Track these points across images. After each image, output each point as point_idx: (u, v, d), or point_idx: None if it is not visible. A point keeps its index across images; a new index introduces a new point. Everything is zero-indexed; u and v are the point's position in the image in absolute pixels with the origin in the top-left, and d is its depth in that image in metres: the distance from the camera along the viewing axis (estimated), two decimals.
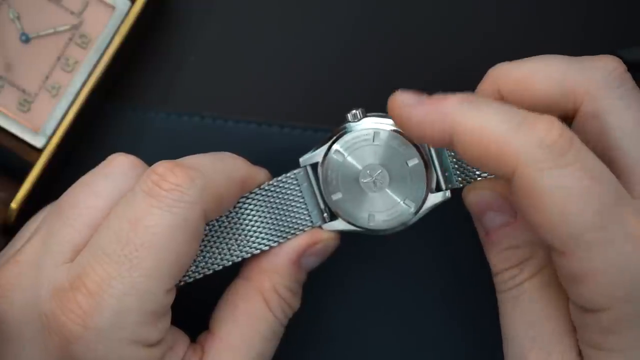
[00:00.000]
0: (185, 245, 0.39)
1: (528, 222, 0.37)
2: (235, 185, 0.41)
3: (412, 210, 0.42)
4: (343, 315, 0.49)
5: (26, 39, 0.47)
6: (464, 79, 0.50)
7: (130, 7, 0.47)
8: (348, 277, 0.49)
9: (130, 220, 0.38)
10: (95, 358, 0.38)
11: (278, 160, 0.49)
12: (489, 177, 0.41)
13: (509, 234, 0.40)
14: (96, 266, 0.38)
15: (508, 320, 0.40)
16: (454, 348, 0.49)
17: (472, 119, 0.37)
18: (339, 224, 0.43)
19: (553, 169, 0.35)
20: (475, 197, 0.41)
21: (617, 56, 0.49)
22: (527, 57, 0.48)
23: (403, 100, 0.38)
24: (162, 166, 0.39)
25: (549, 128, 0.36)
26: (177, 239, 0.38)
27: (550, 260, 0.39)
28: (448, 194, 0.42)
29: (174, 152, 0.49)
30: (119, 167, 0.41)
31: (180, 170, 0.39)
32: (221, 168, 0.40)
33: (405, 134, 0.41)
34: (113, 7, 0.47)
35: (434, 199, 0.42)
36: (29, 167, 0.46)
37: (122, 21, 0.47)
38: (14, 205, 0.46)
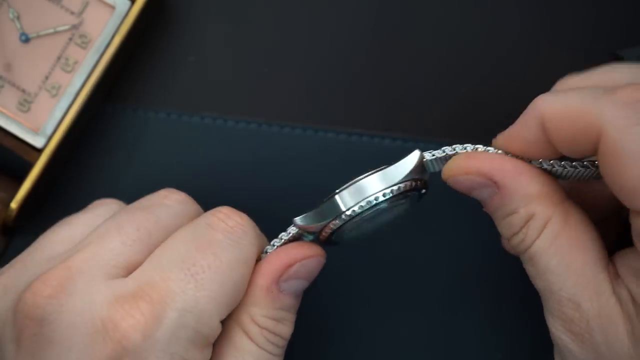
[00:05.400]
0: (242, 281, 0.39)
1: (613, 190, 0.36)
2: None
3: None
4: (343, 314, 0.49)
5: (26, 39, 0.47)
6: (464, 78, 0.50)
7: (130, 7, 0.47)
8: (348, 276, 0.49)
9: (197, 246, 0.39)
10: None
11: (278, 160, 0.49)
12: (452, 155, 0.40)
13: (502, 202, 0.39)
14: (161, 280, 0.38)
15: (534, 281, 0.39)
16: (455, 348, 0.49)
17: (557, 102, 0.37)
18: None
19: (636, 125, 0.35)
20: (455, 184, 0.40)
21: (617, 56, 0.49)
22: (526, 57, 0.48)
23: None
24: (226, 208, 0.41)
25: (631, 91, 0.36)
26: (238, 272, 0.39)
27: (555, 211, 0.38)
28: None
29: (174, 152, 0.49)
30: (175, 200, 0.42)
31: (242, 214, 0.41)
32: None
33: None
34: (113, 7, 0.47)
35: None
36: (28, 167, 0.46)
37: (122, 21, 0.47)
38: (13, 205, 0.46)
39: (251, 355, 0.40)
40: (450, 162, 0.40)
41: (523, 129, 0.39)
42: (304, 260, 0.41)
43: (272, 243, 0.41)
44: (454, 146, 0.40)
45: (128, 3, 0.47)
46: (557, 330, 0.38)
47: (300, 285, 0.41)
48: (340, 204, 0.39)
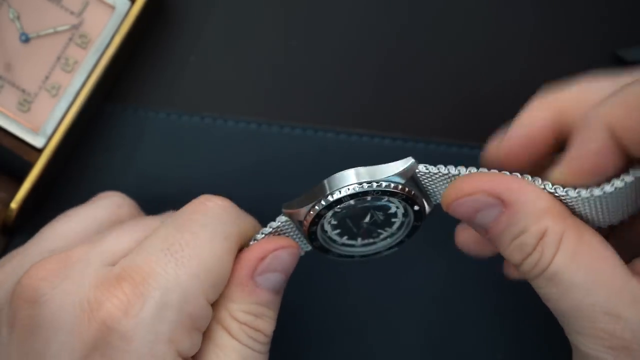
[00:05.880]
0: (225, 258, 0.40)
1: None
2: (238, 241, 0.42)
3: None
4: (341, 314, 0.49)
5: (26, 39, 0.47)
6: (464, 78, 0.50)
7: (130, 7, 0.47)
8: (346, 276, 0.49)
9: (176, 227, 0.40)
10: (129, 349, 0.38)
11: (278, 160, 0.49)
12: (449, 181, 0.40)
13: (509, 221, 0.37)
14: (143, 263, 0.39)
15: (554, 304, 0.37)
16: (455, 348, 0.49)
17: (622, 105, 0.36)
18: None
19: None
20: (458, 208, 0.39)
21: (617, 56, 0.49)
22: (527, 57, 0.48)
23: None
24: (207, 195, 0.41)
25: None
26: (218, 248, 0.39)
27: (566, 225, 0.37)
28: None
29: (174, 152, 0.49)
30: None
31: (223, 198, 0.41)
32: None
33: None
34: (113, 7, 0.47)
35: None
36: (28, 167, 0.46)
37: (122, 21, 0.47)
38: (13, 205, 0.46)
39: (234, 352, 0.40)
40: (450, 187, 0.39)
41: (584, 144, 0.37)
42: (276, 252, 0.40)
43: (260, 232, 0.41)
44: (448, 167, 0.39)
45: (128, 3, 0.47)
46: (596, 350, 0.36)
47: (276, 279, 0.41)
48: (327, 188, 0.40)
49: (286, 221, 0.41)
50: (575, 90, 0.39)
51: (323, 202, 0.40)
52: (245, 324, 0.40)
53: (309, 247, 0.42)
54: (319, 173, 0.49)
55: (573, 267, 0.36)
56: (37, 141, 0.46)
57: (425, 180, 0.40)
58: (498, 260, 0.41)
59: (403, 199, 0.40)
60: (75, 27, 0.47)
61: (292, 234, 0.42)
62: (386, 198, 0.40)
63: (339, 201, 0.40)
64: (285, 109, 0.49)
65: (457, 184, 0.38)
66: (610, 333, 0.36)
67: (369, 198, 0.40)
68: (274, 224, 0.41)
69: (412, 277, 0.49)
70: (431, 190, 0.41)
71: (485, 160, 0.41)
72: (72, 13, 0.47)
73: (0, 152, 0.47)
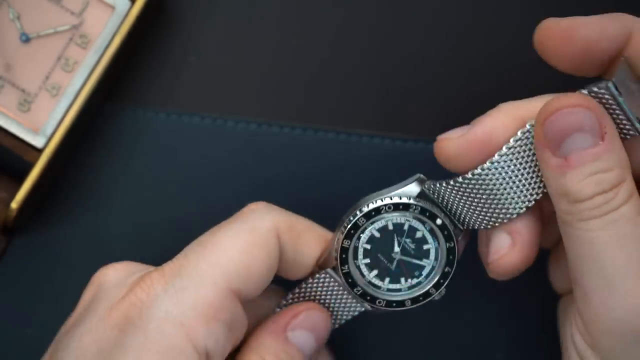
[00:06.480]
0: (250, 250, 0.40)
1: None
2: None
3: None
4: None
5: (26, 39, 0.47)
6: (464, 79, 0.50)
7: (130, 8, 0.47)
8: None
9: (211, 231, 0.41)
10: (140, 325, 0.39)
11: (278, 160, 0.49)
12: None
13: (598, 157, 0.37)
14: (173, 261, 0.40)
15: (601, 248, 0.37)
16: (455, 348, 0.49)
17: (592, 19, 0.39)
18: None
19: None
20: (559, 119, 0.38)
21: None
22: (526, 57, 0.48)
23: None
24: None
25: None
26: (241, 240, 0.40)
27: (635, 188, 0.38)
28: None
29: (174, 152, 0.49)
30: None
31: (259, 202, 0.42)
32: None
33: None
34: (113, 7, 0.47)
35: None
36: (29, 167, 0.46)
37: (122, 21, 0.47)
38: (14, 205, 0.46)
39: None
40: (552, 99, 0.38)
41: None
42: (308, 310, 0.42)
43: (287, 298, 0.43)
44: (455, 179, 0.40)
45: (128, 3, 0.47)
46: (619, 308, 0.37)
47: (307, 340, 0.42)
48: (342, 223, 0.41)
49: (326, 283, 0.42)
50: (538, 103, 0.39)
51: (342, 228, 0.41)
52: None
53: (356, 312, 0.43)
54: (318, 173, 0.49)
55: (636, 220, 0.37)
56: (37, 141, 0.46)
57: (442, 196, 0.41)
58: None
59: (420, 212, 0.41)
60: (75, 27, 0.47)
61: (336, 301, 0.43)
62: (405, 219, 0.41)
63: (356, 226, 0.41)
64: (285, 109, 0.49)
65: (566, 96, 0.38)
66: None
67: (386, 220, 0.41)
68: (309, 285, 0.43)
69: None
70: (454, 209, 0.41)
71: (435, 152, 0.42)
72: (72, 13, 0.47)
73: (0, 152, 0.47)
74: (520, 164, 0.39)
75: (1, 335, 0.48)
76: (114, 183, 0.49)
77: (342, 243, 0.41)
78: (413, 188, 0.41)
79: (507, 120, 0.40)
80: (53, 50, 0.47)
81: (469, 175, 0.40)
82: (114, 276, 0.41)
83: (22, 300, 0.48)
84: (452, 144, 0.41)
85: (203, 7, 0.50)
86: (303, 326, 0.42)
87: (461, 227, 0.41)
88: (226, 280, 0.39)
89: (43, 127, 0.47)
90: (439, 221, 0.41)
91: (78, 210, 0.49)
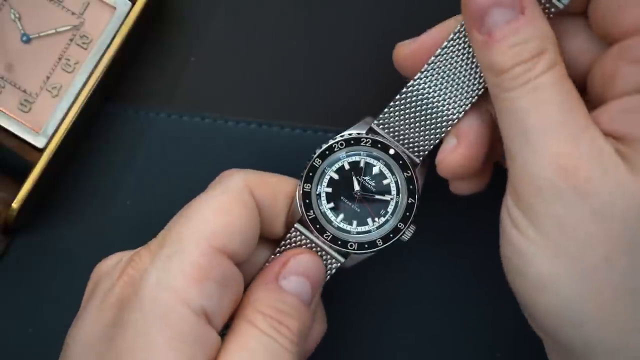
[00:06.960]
0: (227, 209, 0.41)
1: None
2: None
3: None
4: (340, 314, 0.49)
5: (27, 40, 0.47)
6: None
7: (131, 8, 0.47)
8: (345, 275, 0.49)
9: (189, 203, 0.42)
10: (135, 293, 0.39)
11: (278, 160, 0.49)
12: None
13: (518, 30, 0.39)
14: (157, 237, 0.41)
15: (523, 114, 0.39)
16: (454, 348, 0.49)
17: None
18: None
19: None
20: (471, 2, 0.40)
21: None
22: None
23: None
24: None
25: None
26: (216, 201, 0.41)
27: (559, 60, 0.39)
28: None
29: (175, 152, 0.49)
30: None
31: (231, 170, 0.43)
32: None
33: None
34: (114, 8, 0.47)
35: None
36: (30, 167, 0.46)
37: (123, 22, 0.47)
38: (15, 205, 0.46)
39: (253, 339, 0.40)
40: None
41: None
42: (296, 256, 0.42)
43: (277, 250, 0.43)
44: (394, 98, 0.42)
45: (129, 4, 0.47)
46: (543, 168, 0.38)
47: (301, 285, 0.42)
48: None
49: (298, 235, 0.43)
50: None
51: (301, 175, 0.42)
52: (268, 315, 0.40)
53: (333, 269, 0.43)
54: None
55: (556, 88, 0.39)
56: (38, 141, 0.47)
57: (390, 125, 0.42)
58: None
59: (371, 145, 0.42)
60: (76, 27, 0.47)
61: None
62: (360, 157, 0.42)
63: (313, 168, 0.42)
64: (285, 109, 0.49)
65: None
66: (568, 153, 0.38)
67: (342, 161, 0.42)
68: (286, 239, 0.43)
69: (412, 277, 0.49)
70: (404, 136, 0.42)
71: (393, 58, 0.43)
72: (73, 14, 0.47)
73: (1, 152, 0.47)
74: (455, 66, 0.41)
75: (2, 335, 0.48)
76: (115, 183, 0.49)
77: (304, 187, 0.42)
78: (362, 126, 0.43)
79: (455, 27, 0.42)
80: (54, 50, 0.47)
81: (404, 90, 0.41)
82: (107, 265, 0.42)
83: (22, 300, 0.49)
84: (402, 50, 0.43)
85: (203, 7, 0.50)
86: (295, 272, 0.42)
87: (417, 160, 0.42)
88: (208, 240, 0.40)
89: (44, 127, 0.47)
90: (391, 151, 0.42)
91: (79, 211, 0.49)
